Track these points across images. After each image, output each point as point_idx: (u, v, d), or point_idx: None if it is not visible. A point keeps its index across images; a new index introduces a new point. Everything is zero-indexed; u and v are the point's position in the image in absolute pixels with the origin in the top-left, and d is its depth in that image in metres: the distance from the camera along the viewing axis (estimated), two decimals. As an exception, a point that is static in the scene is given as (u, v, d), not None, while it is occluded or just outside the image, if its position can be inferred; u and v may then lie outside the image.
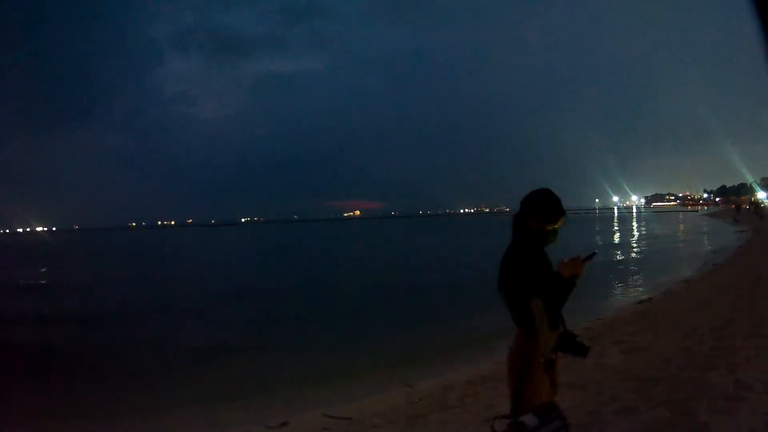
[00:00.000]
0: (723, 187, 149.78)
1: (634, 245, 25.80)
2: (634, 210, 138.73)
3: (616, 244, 27.35)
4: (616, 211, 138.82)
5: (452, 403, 4.31)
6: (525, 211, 2.04)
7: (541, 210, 2.01)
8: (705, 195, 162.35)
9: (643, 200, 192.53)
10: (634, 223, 52.66)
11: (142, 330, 9.92)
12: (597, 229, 44.52)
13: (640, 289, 11.23)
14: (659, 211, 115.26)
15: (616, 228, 44.23)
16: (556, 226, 2.02)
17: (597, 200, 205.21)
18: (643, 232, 36.39)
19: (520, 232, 2.04)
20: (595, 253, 2.04)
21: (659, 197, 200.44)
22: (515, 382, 2.01)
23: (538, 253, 2.02)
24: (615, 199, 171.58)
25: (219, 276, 20.33)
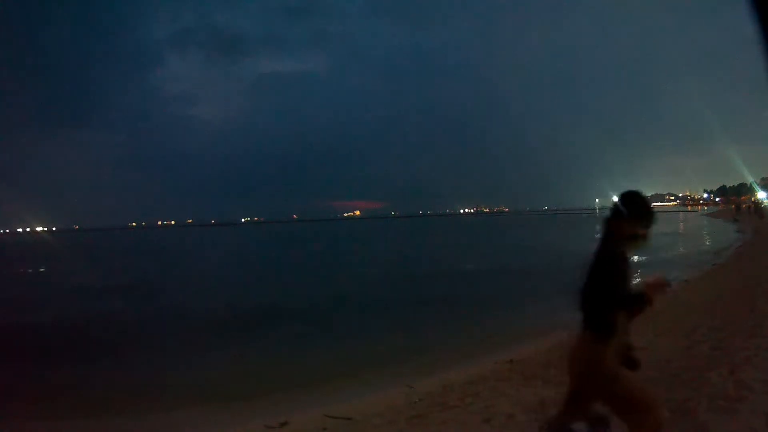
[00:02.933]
0: (723, 187, 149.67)
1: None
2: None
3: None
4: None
5: (452, 403, 4.31)
6: (619, 213, 2.02)
7: (637, 212, 2.00)
8: (705, 195, 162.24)
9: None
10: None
11: (141, 330, 9.92)
12: (597, 230, 44.42)
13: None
14: (659, 211, 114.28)
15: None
16: (647, 230, 2.01)
17: (597, 200, 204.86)
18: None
19: (613, 236, 2.02)
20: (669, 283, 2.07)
21: (659, 197, 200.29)
22: (578, 385, 2.00)
23: (626, 262, 1.99)
24: (615, 198, 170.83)
25: (218, 276, 20.33)
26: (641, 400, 1.95)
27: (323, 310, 11.14)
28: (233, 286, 16.25)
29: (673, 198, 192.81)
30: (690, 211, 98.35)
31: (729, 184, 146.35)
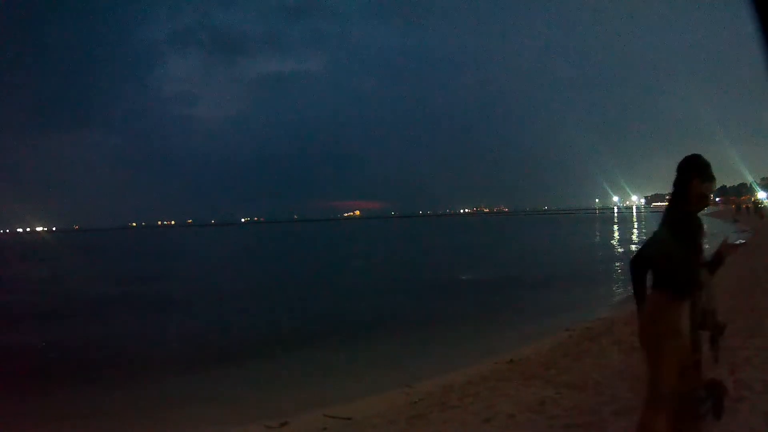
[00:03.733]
0: (723, 187, 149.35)
1: (635, 245, 25.78)
2: (634, 210, 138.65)
3: (616, 243, 27.36)
4: (616, 211, 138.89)
5: (452, 403, 4.31)
6: (686, 173, 2.12)
7: (702, 170, 2.10)
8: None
9: (643, 200, 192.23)
10: (635, 223, 52.66)
11: (143, 331, 9.92)
12: (597, 230, 44.58)
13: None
14: (659, 211, 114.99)
15: (616, 228, 44.24)
16: (712, 188, 2.12)
17: (597, 200, 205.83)
18: (644, 232, 36.39)
19: (683, 198, 2.12)
20: (743, 243, 2.26)
21: (659, 197, 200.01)
22: (654, 351, 2.09)
23: (699, 222, 2.13)
24: (615, 199, 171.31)
25: (219, 276, 20.33)
26: (666, 376, 2.04)
27: (322, 310, 11.14)
28: (233, 288, 16.25)
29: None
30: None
31: (729, 184, 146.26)
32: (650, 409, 2.05)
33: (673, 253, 2.07)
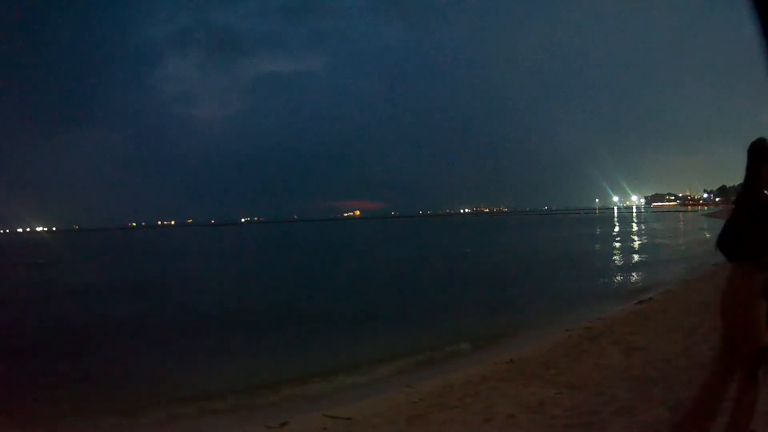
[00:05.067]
0: (723, 187, 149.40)
1: (634, 245, 25.81)
2: (634, 210, 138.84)
3: (615, 243, 27.37)
4: (616, 211, 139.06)
5: (452, 403, 4.31)
6: (751, 159, 2.30)
7: (766, 153, 2.26)
8: (705, 195, 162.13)
9: (643, 200, 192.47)
10: (634, 223, 52.69)
11: (141, 332, 9.91)
12: (597, 230, 44.59)
13: (640, 289, 11.23)
14: (659, 211, 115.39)
15: (616, 228, 44.26)
16: None
17: (597, 200, 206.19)
18: (643, 232, 36.41)
19: (756, 179, 2.28)
20: None
21: (659, 197, 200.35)
22: (730, 324, 2.26)
23: None
24: (615, 199, 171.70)
25: (219, 278, 20.33)
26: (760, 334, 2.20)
27: (323, 310, 11.13)
28: (233, 288, 16.26)
29: (673, 198, 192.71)
30: (690, 211, 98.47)
31: (729, 184, 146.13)
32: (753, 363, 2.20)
33: (750, 231, 2.25)
